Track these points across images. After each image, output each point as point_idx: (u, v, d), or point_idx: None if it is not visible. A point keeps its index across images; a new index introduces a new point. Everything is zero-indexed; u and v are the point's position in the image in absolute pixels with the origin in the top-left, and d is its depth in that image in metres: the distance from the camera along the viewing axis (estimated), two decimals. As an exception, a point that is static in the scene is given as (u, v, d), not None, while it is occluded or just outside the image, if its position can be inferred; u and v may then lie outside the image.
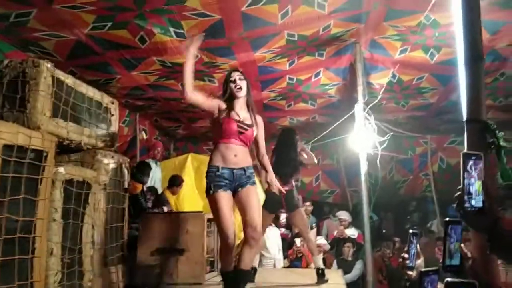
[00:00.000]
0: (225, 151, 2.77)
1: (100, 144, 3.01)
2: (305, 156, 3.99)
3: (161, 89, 5.15)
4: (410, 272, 1.78)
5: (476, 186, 1.27)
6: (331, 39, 4.38)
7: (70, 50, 4.00)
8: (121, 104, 5.44)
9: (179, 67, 4.51)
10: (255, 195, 2.83)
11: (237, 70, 3.01)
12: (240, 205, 2.79)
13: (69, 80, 2.71)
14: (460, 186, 1.26)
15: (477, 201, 1.27)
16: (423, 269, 1.15)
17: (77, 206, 2.72)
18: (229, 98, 2.88)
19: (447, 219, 1.34)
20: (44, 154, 2.39)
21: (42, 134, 2.39)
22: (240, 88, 2.85)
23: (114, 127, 3.22)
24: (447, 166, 7.46)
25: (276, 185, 3.07)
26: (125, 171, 3.26)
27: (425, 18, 3.85)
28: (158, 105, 5.86)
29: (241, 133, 2.80)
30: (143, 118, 6.40)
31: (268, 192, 3.78)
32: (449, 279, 1.02)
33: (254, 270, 3.72)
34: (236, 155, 2.78)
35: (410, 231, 1.81)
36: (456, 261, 1.32)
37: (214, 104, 2.83)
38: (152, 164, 5.59)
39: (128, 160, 3.42)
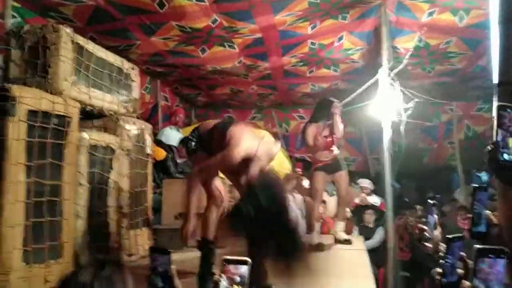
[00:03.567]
0: None
1: (122, 110, 3.03)
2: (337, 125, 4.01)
3: (181, 55, 5.10)
4: (427, 244, 1.75)
5: (510, 142, 1.21)
6: (355, 1, 4.21)
7: (89, 16, 3.97)
8: (142, 71, 5.46)
9: (198, 33, 4.45)
10: None
11: None
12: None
13: (89, 45, 2.71)
14: (493, 140, 1.21)
15: (510, 155, 1.22)
16: (449, 236, 1.12)
17: (102, 171, 2.77)
18: None
19: (474, 185, 1.30)
20: (68, 119, 2.42)
21: (65, 99, 2.42)
22: None
23: (136, 93, 3.23)
24: (473, 134, 7.26)
25: None
26: (148, 137, 3.29)
27: (455, -23, 3.65)
28: (178, 72, 5.83)
29: None
30: (164, 85, 6.40)
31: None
32: (479, 246, 0.99)
33: None
34: None
35: (429, 201, 1.77)
36: (482, 228, 1.29)
37: None
38: (174, 131, 5.64)
39: (151, 126, 3.45)
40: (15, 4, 3.65)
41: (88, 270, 1.18)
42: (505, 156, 1.20)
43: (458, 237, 1.15)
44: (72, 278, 1.18)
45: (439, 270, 1.18)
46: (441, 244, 1.78)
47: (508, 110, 1.22)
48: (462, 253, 1.18)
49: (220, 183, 2.60)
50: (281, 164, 5.95)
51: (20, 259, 2.12)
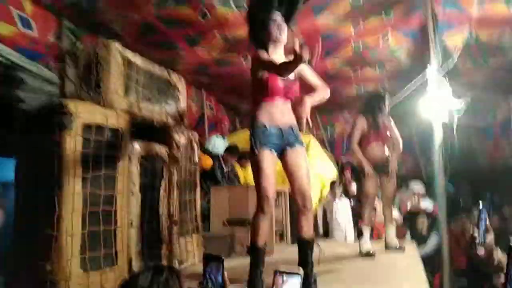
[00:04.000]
0: (271, 110, 2.46)
1: (171, 121, 3.11)
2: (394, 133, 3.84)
3: (224, 65, 5.18)
4: (480, 252, 1.61)
5: None
6: (398, -1, 4.09)
7: (137, 30, 4.14)
8: (188, 82, 5.60)
9: (240, 41, 4.50)
10: (304, 158, 2.57)
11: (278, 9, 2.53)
12: (288, 168, 2.51)
13: (137, 59, 2.80)
14: None
15: None
16: None
17: (153, 180, 2.85)
18: (264, 43, 2.50)
19: None
20: (120, 131, 2.51)
21: (117, 112, 2.51)
22: (283, 31, 2.47)
23: (183, 104, 3.30)
24: (533, 131, 6.81)
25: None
26: (195, 146, 3.36)
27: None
28: (222, 80, 5.93)
29: (287, 88, 2.49)
30: (209, 94, 6.53)
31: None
32: None
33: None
34: (283, 113, 2.48)
35: (480, 206, 1.63)
36: None
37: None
38: (220, 139, 5.72)
39: (198, 135, 3.52)
40: (69, 24, 3.89)
41: (146, 275, 1.22)
42: None
43: None
44: (132, 283, 1.22)
45: (502, 280, 1.10)
46: (496, 250, 1.67)
47: None
48: None
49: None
50: (326, 169, 5.87)
51: (78, 266, 2.22)
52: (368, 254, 3.50)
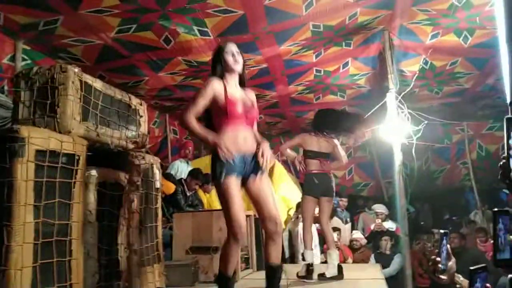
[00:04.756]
0: (234, 135, 2.48)
1: (131, 146, 3.02)
2: (339, 158, 3.85)
3: (188, 89, 5.18)
4: (442, 276, 1.63)
5: None
6: (358, 27, 4.26)
7: (98, 55, 4.07)
8: (150, 106, 5.53)
9: (205, 66, 4.52)
10: (269, 184, 2.61)
11: (233, 43, 2.66)
12: (254, 195, 2.52)
13: (97, 83, 2.73)
14: (505, 154, 1.16)
15: None
16: (472, 267, 1.05)
17: (111, 207, 2.75)
18: (221, 74, 2.59)
19: (495, 209, 1.23)
20: (76, 157, 2.42)
21: (73, 138, 2.42)
22: (238, 61, 2.57)
23: (144, 128, 3.23)
24: (486, 153, 7.17)
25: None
26: (157, 171, 3.27)
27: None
28: (186, 105, 5.89)
29: (247, 114, 2.55)
30: (172, 118, 6.46)
31: (315, 175, 3.73)
32: None
33: (311, 265, 3.68)
34: (246, 139, 2.51)
35: (441, 231, 1.66)
36: (507, 255, 1.22)
37: (209, 91, 2.52)
38: (184, 164, 5.64)
39: (159, 160, 3.44)
40: (25, 47, 3.77)
41: None
42: None
43: (481, 268, 1.08)
44: None
45: None
46: (457, 275, 1.69)
47: None
48: (488, 285, 1.10)
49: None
50: (292, 192, 5.88)
51: (29, 302, 2.07)
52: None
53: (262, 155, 2.46)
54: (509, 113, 1.50)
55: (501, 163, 1.19)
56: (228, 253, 2.48)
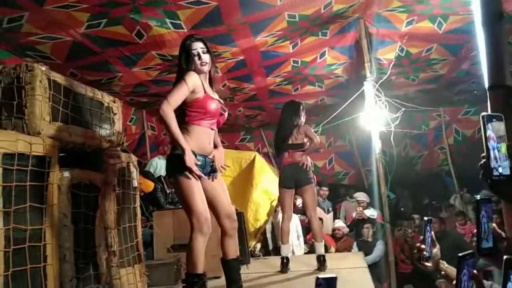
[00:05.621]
0: (202, 136, 2.51)
1: (105, 145, 2.93)
2: (312, 137, 3.82)
3: (164, 84, 5.07)
4: (427, 264, 1.64)
5: (502, 149, 1.15)
6: (333, 16, 4.24)
7: (68, 52, 3.92)
8: (126, 103, 5.40)
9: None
10: (223, 182, 2.68)
11: (199, 40, 2.56)
12: (210, 194, 2.56)
13: (66, 82, 2.62)
14: (484, 154, 1.15)
15: (504, 168, 1.16)
16: (460, 254, 1.03)
17: (87, 209, 2.66)
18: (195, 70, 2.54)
19: (478, 197, 1.22)
20: (47, 159, 2.32)
21: (43, 139, 2.32)
22: (206, 63, 2.53)
23: (118, 126, 3.13)
24: (463, 137, 7.29)
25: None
26: (134, 169, 3.19)
27: (430, -15, 3.68)
28: (162, 100, 5.78)
29: (221, 114, 2.59)
30: (150, 115, 6.34)
31: (286, 166, 3.75)
32: (507, 257, 0.90)
33: (287, 259, 3.66)
34: (210, 142, 2.57)
35: (425, 218, 1.67)
36: (490, 243, 1.21)
37: (190, 84, 2.45)
38: (163, 161, 5.54)
39: (136, 158, 3.35)
40: (-11, 45, 3.60)
41: None
42: (500, 170, 1.14)
43: (468, 255, 1.06)
44: None
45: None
46: (442, 261, 1.70)
47: (494, 120, 1.17)
48: (475, 271, 1.09)
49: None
50: (274, 184, 5.86)
51: (2, 313, 1.98)
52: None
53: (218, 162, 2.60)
54: (488, 98, 1.49)
55: (482, 162, 1.18)
56: (196, 249, 2.45)
